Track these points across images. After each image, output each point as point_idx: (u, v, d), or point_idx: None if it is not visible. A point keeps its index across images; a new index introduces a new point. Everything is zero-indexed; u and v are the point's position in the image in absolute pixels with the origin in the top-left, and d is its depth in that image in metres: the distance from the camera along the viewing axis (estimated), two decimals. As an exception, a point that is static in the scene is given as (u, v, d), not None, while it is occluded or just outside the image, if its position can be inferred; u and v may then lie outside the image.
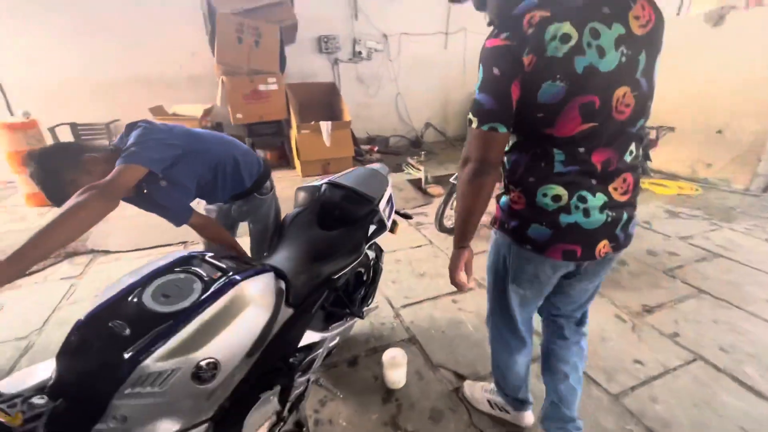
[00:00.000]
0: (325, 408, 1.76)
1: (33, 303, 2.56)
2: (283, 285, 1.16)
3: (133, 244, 3.33)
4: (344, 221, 1.49)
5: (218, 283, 0.89)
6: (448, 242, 3.32)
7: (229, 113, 4.73)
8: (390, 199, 1.74)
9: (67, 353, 0.75)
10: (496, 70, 0.91)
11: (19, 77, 4.60)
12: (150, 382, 0.72)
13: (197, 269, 0.93)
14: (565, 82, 0.89)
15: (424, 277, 2.81)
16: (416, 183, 4.75)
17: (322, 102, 5.40)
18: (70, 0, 4.49)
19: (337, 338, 1.66)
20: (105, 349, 0.74)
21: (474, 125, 0.97)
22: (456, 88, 6.70)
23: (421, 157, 5.09)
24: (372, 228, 1.55)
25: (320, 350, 1.47)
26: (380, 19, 5.87)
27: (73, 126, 4.81)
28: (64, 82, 4.77)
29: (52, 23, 4.52)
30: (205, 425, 0.84)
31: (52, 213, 1.08)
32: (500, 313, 1.39)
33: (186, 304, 0.82)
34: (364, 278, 1.95)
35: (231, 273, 0.96)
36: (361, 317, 1.59)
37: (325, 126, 4.67)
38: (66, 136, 4.67)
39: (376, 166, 1.78)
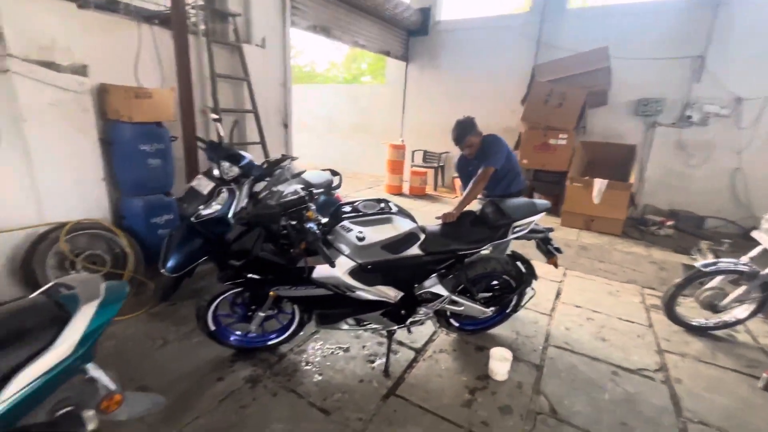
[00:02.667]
0: (441, 354, 2.44)
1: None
2: (421, 236, 2.07)
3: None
4: (485, 224, 2.16)
5: (386, 210, 1.96)
6: (674, 335, 2.80)
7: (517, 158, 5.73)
8: (530, 224, 2.18)
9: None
10: None
11: (411, 121, 7.69)
12: (345, 230, 1.87)
13: (384, 205, 2.04)
14: None
15: (603, 342, 2.68)
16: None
17: (614, 162, 5.29)
18: (448, 77, 7.01)
19: (461, 308, 2.32)
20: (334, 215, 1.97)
21: None
22: None
23: (723, 246, 4.01)
24: (500, 236, 2.12)
25: (438, 301, 2.22)
26: (737, 80, 4.89)
27: (425, 152, 7.44)
28: (428, 125, 7.46)
29: (434, 92, 7.24)
30: (356, 264, 1.91)
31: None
32: None
33: (367, 211, 1.94)
34: (513, 285, 2.43)
35: (397, 212, 2.01)
36: (482, 306, 2.21)
37: (599, 183, 4.69)
38: (418, 158, 7.34)
39: (539, 201, 2.25)
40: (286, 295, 1.92)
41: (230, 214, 2.82)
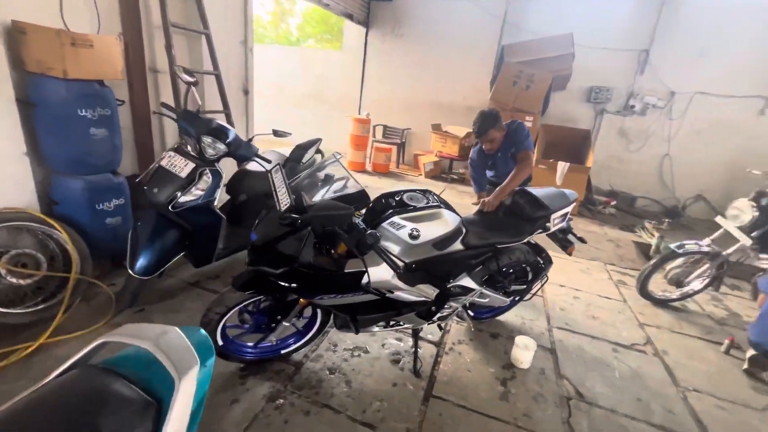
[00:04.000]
0: (461, 345, 2.39)
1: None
2: (464, 230, 1.92)
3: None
4: (520, 215, 2.09)
5: (435, 203, 1.75)
6: (645, 308, 3.12)
7: (484, 138, 5.82)
8: (565, 216, 2.17)
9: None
10: None
11: (371, 92, 7.30)
12: (395, 227, 1.64)
13: (430, 196, 1.83)
14: None
15: (594, 320, 2.88)
16: (643, 248, 4.36)
17: (571, 146, 5.66)
18: (411, 49, 6.74)
19: (487, 299, 2.25)
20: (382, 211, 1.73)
21: None
22: (763, 165, 5.32)
23: (664, 225, 4.58)
24: (538, 227, 2.08)
25: (468, 295, 2.12)
26: (672, 75, 5.48)
27: (385, 127, 7.18)
28: (389, 98, 7.17)
29: (396, 63, 6.93)
30: (405, 264, 1.70)
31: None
32: None
33: (417, 204, 1.72)
34: (529, 276, 2.43)
35: (440, 204, 1.81)
36: (504, 297, 2.15)
37: (562, 166, 4.98)
38: (378, 133, 7.06)
39: (568, 191, 2.24)
40: (329, 304, 1.65)
41: (216, 201, 2.36)
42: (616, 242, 4.52)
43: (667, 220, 4.48)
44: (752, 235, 2.74)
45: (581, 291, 3.31)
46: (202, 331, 0.80)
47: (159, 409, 0.61)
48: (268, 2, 13.31)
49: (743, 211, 2.75)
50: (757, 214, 2.68)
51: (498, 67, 5.64)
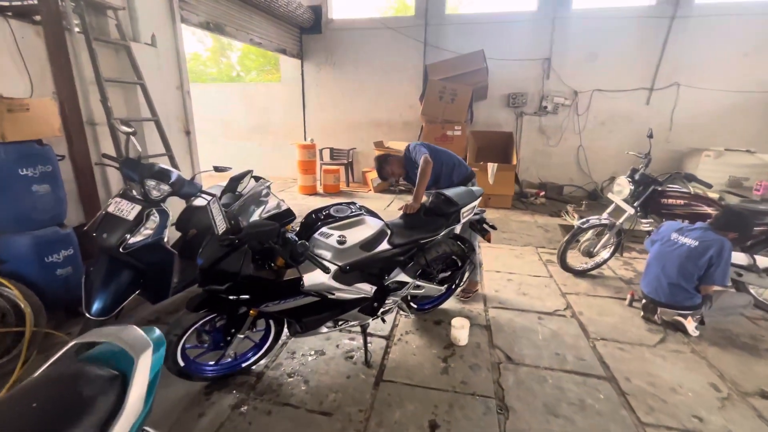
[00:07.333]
0: (408, 335, 2.70)
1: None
2: (388, 231, 2.25)
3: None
4: (438, 213, 2.46)
5: (357, 212, 2.08)
6: (567, 280, 3.60)
7: (422, 150, 6.31)
8: (473, 209, 2.58)
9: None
10: None
11: (314, 119, 7.65)
12: (325, 236, 1.94)
13: (353, 207, 2.15)
14: None
15: (524, 296, 3.30)
16: (567, 229, 4.94)
17: (498, 147, 6.30)
18: (346, 75, 7.20)
19: (423, 290, 2.59)
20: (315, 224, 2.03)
21: None
22: (655, 145, 6.19)
23: (582, 207, 5.21)
24: (453, 221, 2.46)
25: (405, 288, 2.45)
26: (572, 77, 6.31)
27: (331, 149, 7.53)
28: (331, 123, 7.56)
29: (333, 89, 7.36)
30: (337, 268, 1.99)
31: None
32: None
33: (341, 215, 2.03)
34: (459, 264, 2.80)
35: (364, 212, 2.14)
36: (438, 286, 2.50)
37: (491, 167, 5.55)
38: (326, 155, 7.39)
39: (475, 188, 2.66)
40: (274, 310, 1.89)
41: (166, 238, 2.53)
42: (545, 227, 5.08)
43: (584, 202, 5.12)
44: (634, 204, 3.32)
45: (514, 273, 3.75)
46: (155, 328, 1.04)
47: (124, 379, 0.85)
48: (206, 38, 13.41)
49: (623, 186, 3.33)
50: (632, 187, 3.26)
51: (425, 84, 6.21)
